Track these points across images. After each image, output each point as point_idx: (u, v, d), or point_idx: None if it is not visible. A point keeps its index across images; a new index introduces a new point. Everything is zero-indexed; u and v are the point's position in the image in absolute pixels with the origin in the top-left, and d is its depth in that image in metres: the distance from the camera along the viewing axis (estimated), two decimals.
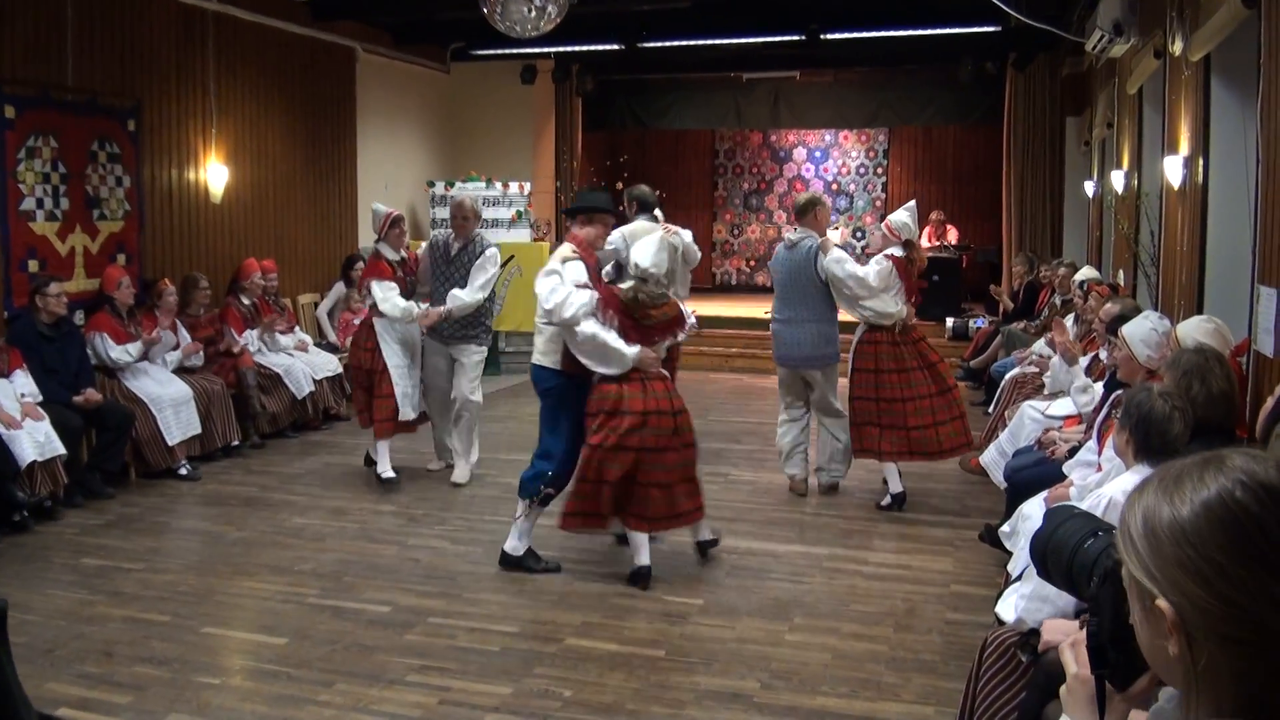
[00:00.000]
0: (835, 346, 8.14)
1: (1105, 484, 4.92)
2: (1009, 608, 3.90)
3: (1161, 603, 1.33)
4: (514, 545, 6.62)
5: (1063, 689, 1.89)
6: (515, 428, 10.32)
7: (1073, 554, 1.93)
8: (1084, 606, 3.50)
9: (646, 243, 6.56)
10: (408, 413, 8.42)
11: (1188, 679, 1.35)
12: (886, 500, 7.86)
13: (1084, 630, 1.81)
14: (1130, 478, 3.92)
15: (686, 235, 8.27)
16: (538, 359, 6.72)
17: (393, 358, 8.37)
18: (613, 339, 6.21)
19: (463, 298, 8.31)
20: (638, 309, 6.30)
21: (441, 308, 8.34)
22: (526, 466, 6.71)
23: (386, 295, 8.30)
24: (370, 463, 8.71)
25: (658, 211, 8.71)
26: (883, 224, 8.32)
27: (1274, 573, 1.27)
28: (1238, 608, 1.28)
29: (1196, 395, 4.20)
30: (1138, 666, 1.67)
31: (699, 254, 8.74)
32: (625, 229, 8.73)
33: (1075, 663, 1.83)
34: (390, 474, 8.35)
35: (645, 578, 6.29)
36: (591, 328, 6.20)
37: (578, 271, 6.44)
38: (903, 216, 8.26)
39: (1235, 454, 1.37)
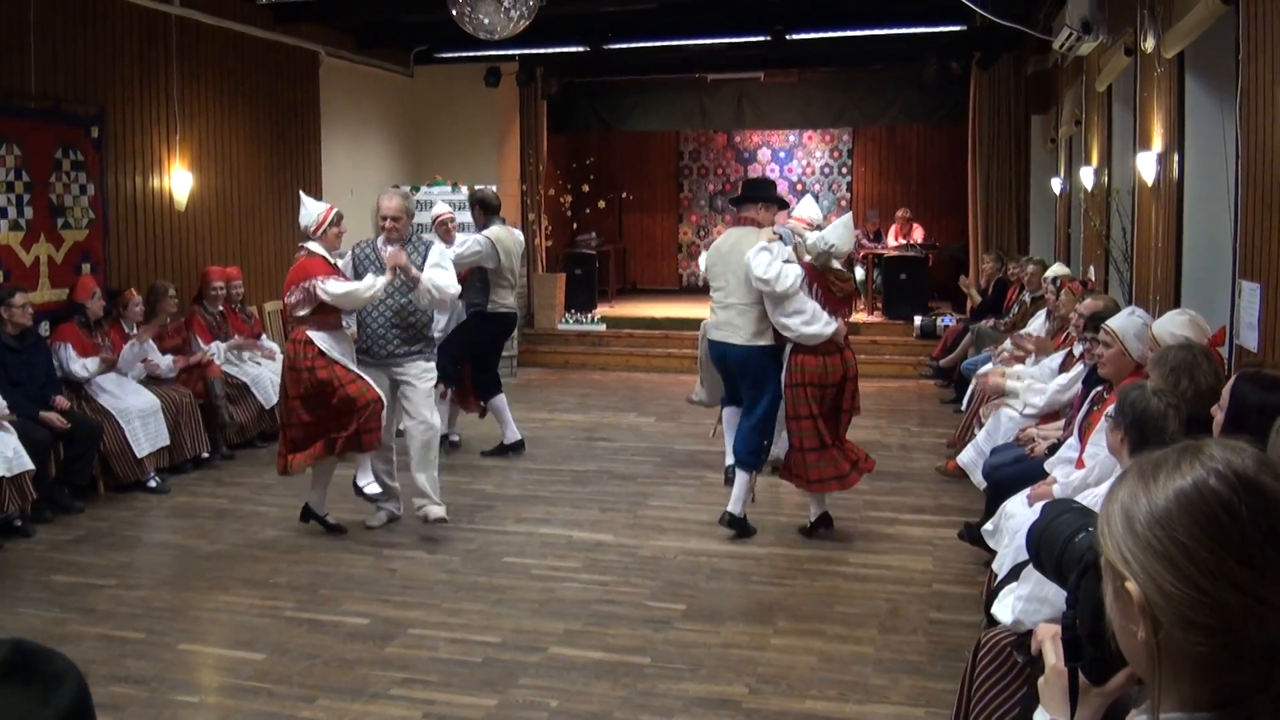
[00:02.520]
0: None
1: (1089, 481, 4.93)
2: (1006, 609, 3.86)
3: (1130, 585, 1.34)
4: (740, 509, 7.16)
5: (1040, 680, 1.92)
6: (486, 430, 10.20)
7: (1064, 547, 1.92)
8: None
9: (839, 225, 6.99)
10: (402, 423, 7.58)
11: (1151, 665, 1.35)
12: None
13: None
14: None
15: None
16: (746, 341, 7.15)
17: (349, 363, 7.32)
18: (820, 311, 6.76)
19: (440, 281, 7.34)
20: (831, 275, 6.88)
21: (409, 268, 7.29)
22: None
23: (347, 285, 7.21)
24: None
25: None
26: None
27: (1241, 560, 1.28)
28: (1203, 593, 1.28)
29: (1185, 391, 4.19)
30: (1114, 661, 1.66)
31: None
32: (491, 233, 8.84)
33: (1054, 654, 1.85)
34: (378, 488, 7.47)
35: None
36: (803, 300, 6.75)
37: (782, 249, 6.96)
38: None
39: (1214, 444, 1.38)
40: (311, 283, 7.16)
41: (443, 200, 10.13)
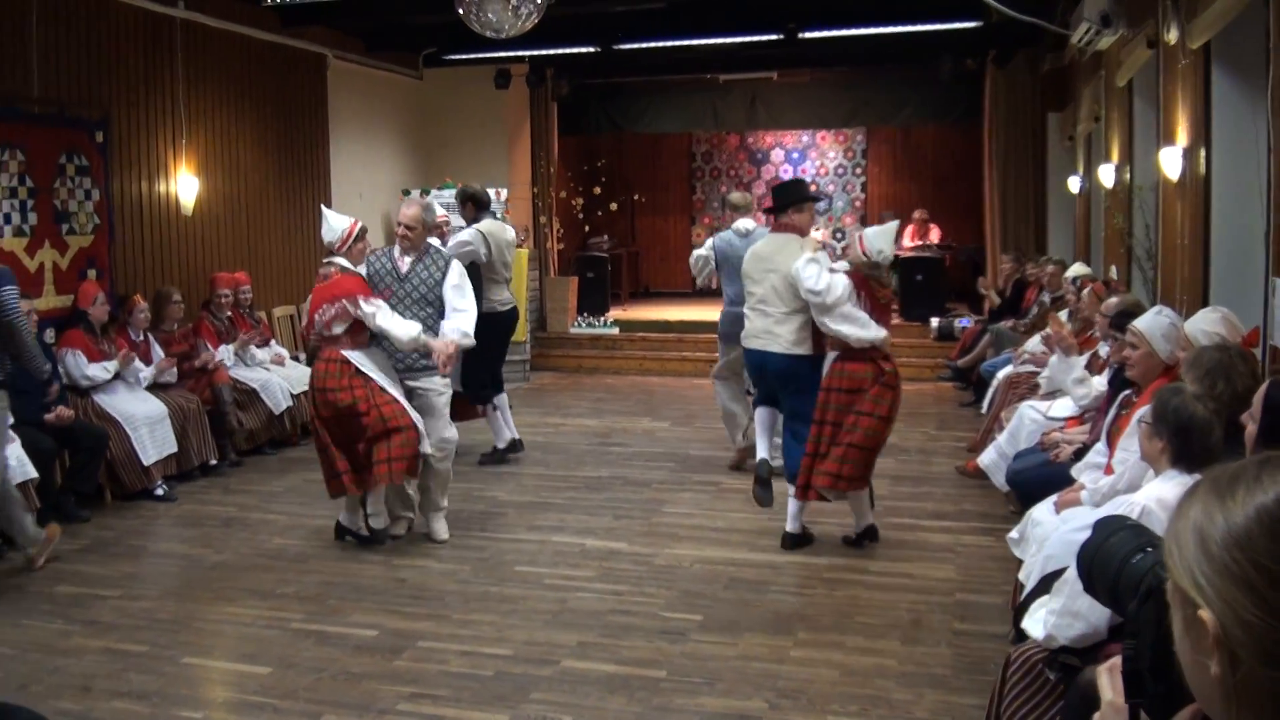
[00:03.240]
0: None
1: (1119, 487, 4.77)
2: (1037, 623, 3.70)
3: (1204, 614, 1.19)
4: (796, 526, 6.99)
5: (1096, 716, 1.72)
6: (492, 438, 10.06)
7: (1120, 568, 1.75)
8: (1119, 623, 3.32)
9: (884, 231, 6.91)
10: (425, 446, 7.22)
11: (1227, 705, 1.20)
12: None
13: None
14: (1162, 485, 3.73)
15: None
16: (787, 349, 7.09)
17: (385, 384, 7.04)
18: (868, 319, 6.72)
19: (465, 327, 7.15)
20: (877, 285, 6.85)
21: (451, 341, 7.04)
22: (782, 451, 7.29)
23: (390, 322, 6.94)
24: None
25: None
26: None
27: None
28: None
29: (1222, 394, 4.03)
30: (1178, 697, 1.48)
31: None
32: (482, 226, 8.78)
33: (1111, 689, 1.65)
34: (386, 520, 7.26)
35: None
36: (853, 309, 6.67)
37: (826, 259, 6.96)
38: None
39: None
40: (348, 302, 6.92)
41: (438, 204, 9.91)
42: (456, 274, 7.26)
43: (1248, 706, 1.19)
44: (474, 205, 9.57)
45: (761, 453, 7.67)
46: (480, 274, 9.09)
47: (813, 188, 16.05)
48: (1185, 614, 1.25)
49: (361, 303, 6.91)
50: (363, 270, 7.21)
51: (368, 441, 6.93)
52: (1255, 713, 1.19)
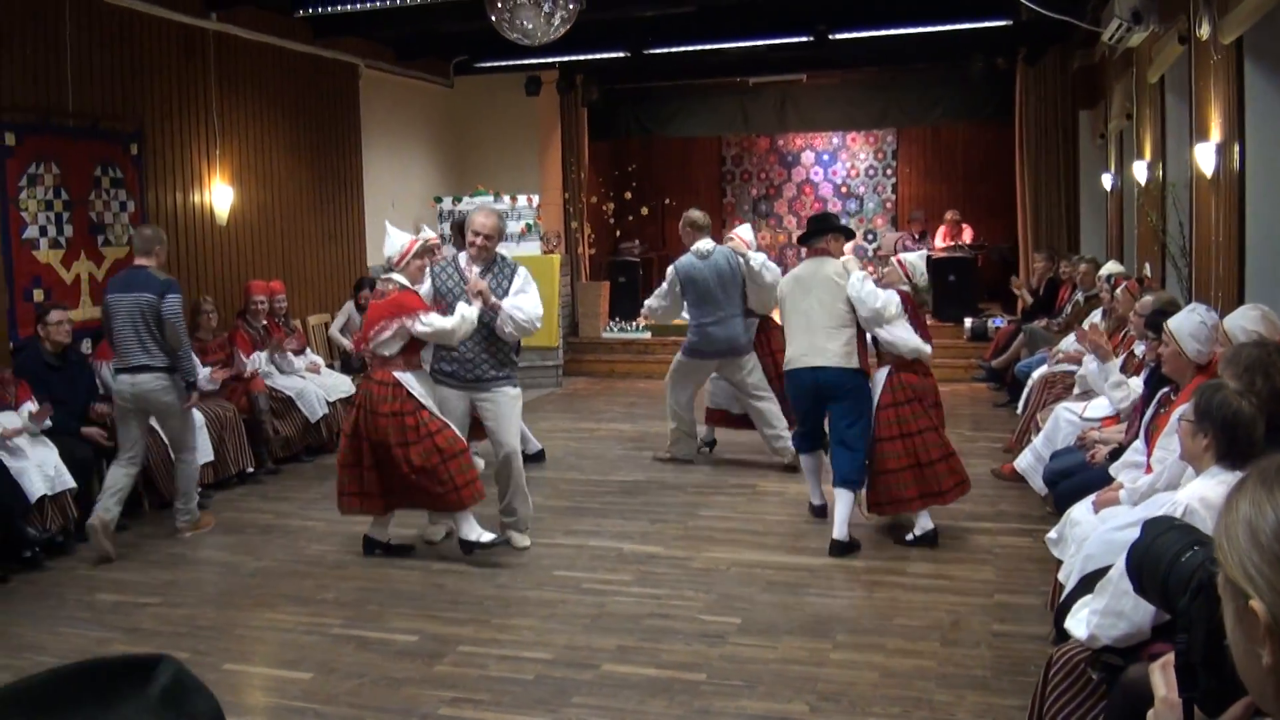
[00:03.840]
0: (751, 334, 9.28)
1: (1158, 486, 4.74)
2: (1080, 623, 3.68)
3: (1256, 604, 1.21)
4: (844, 533, 6.96)
5: (1150, 713, 1.72)
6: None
7: (1169, 567, 1.75)
8: (1163, 622, 3.31)
9: (920, 256, 7.61)
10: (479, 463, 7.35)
11: (1278, 694, 1.21)
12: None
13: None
14: (1205, 483, 3.71)
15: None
16: (838, 363, 7.13)
17: (435, 410, 6.90)
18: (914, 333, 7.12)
19: (526, 309, 7.05)
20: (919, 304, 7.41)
21: (488, 295, 6.98)
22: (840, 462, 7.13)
23: (442, 322, 6.82)
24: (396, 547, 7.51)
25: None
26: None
27: None
28: None
29: (1261, 390, 4.00)
30: (1231, 691, 1.48)
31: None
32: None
33: (1164, 685, 1.68)
34: (489, 535, 7.00)
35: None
36: (905, 323, 7.08)
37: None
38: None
39: None
40: (408, 320, 6.76)
41: (426, 227, 9.44)
42: (521, 280, 7.17)
43: None
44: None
45: (816, 499, 7.81)
46: None
47: (843, 190, 16.00)
48: (1237, 605, 1.26)
49: (419, 320, 6.75)
50: (424, 287, 7.09)
51: (416, 471, 6.74)
52: None
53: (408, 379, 6.83)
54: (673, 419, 9.53)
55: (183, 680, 1.13)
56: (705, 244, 9.16)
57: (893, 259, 7.68)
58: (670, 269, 9.33)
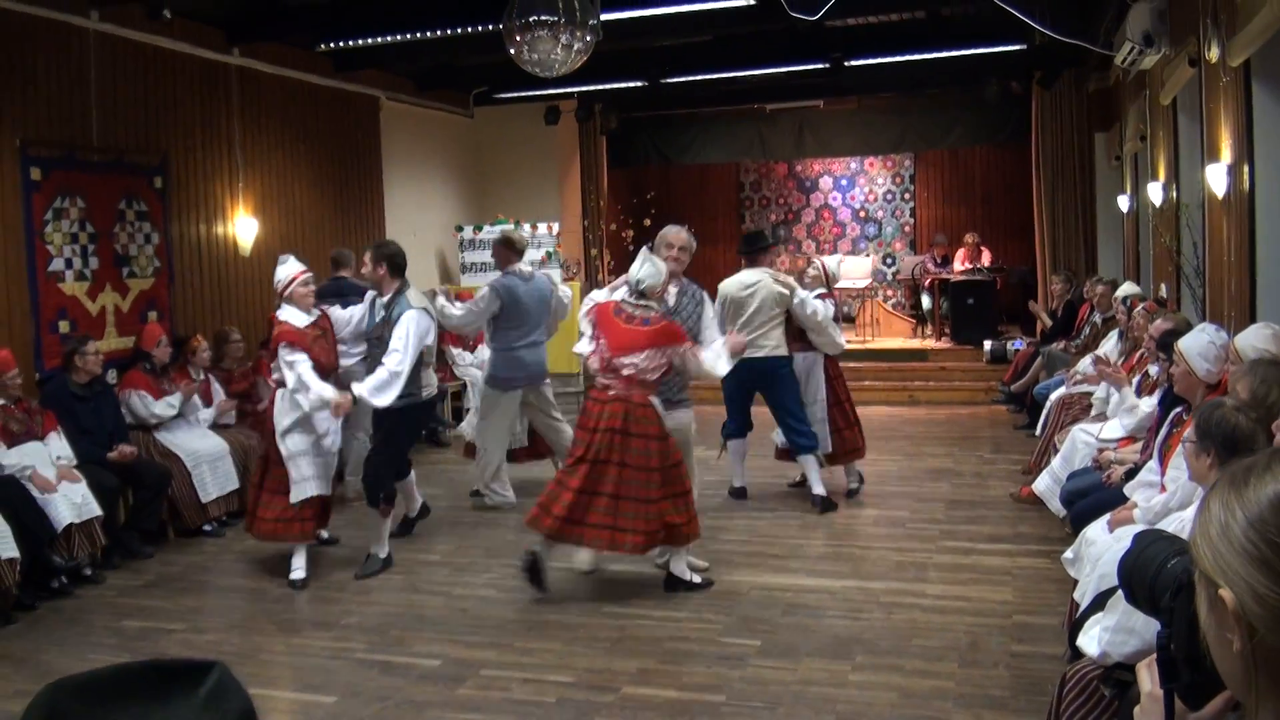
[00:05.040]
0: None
1: (1171, 505, 4.78)
2: (1092, 640, 3.73)
3: (1224, 593, 1.30)
4: (823, 489, 8.68)
5: (1137, 709, 1.80)
6: (546, 470, 10.13)
7: (1156, 573, 1.82)
8: None
9: (835, 261, 10.21)
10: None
11: (1248, 679, 1.30)
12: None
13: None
14: None
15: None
16: (775, 353, 8.74)
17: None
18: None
19: (720, 352, 7.01)
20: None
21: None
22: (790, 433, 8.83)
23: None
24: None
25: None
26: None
27: None
28: None
29: (1274, 405, 4.05)
30: (1212, 684, 1.56)
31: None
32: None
33: (1150, 680, 1.75)
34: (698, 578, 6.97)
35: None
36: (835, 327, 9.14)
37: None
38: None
39: None
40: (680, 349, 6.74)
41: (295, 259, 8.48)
42: (710, 308, 7.45)
43: (1266, 675, 1.28)
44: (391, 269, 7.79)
45: (738, 481, 9.31)
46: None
47: (862, 215, 16.03)
48: (1209, 595, 1.35)
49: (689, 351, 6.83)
50: (299, 319, 7.49)
51: (659, 497, 6.63)
52: (1272, 680, 1.28)
53: (657, 402, 6.78)
54: (484, 461, 9.19)
55: (225, 682, 1.22)
56: (526, 266, 9.19)
57: (815, 260, 9.69)
58: (488, 287, 8.89)
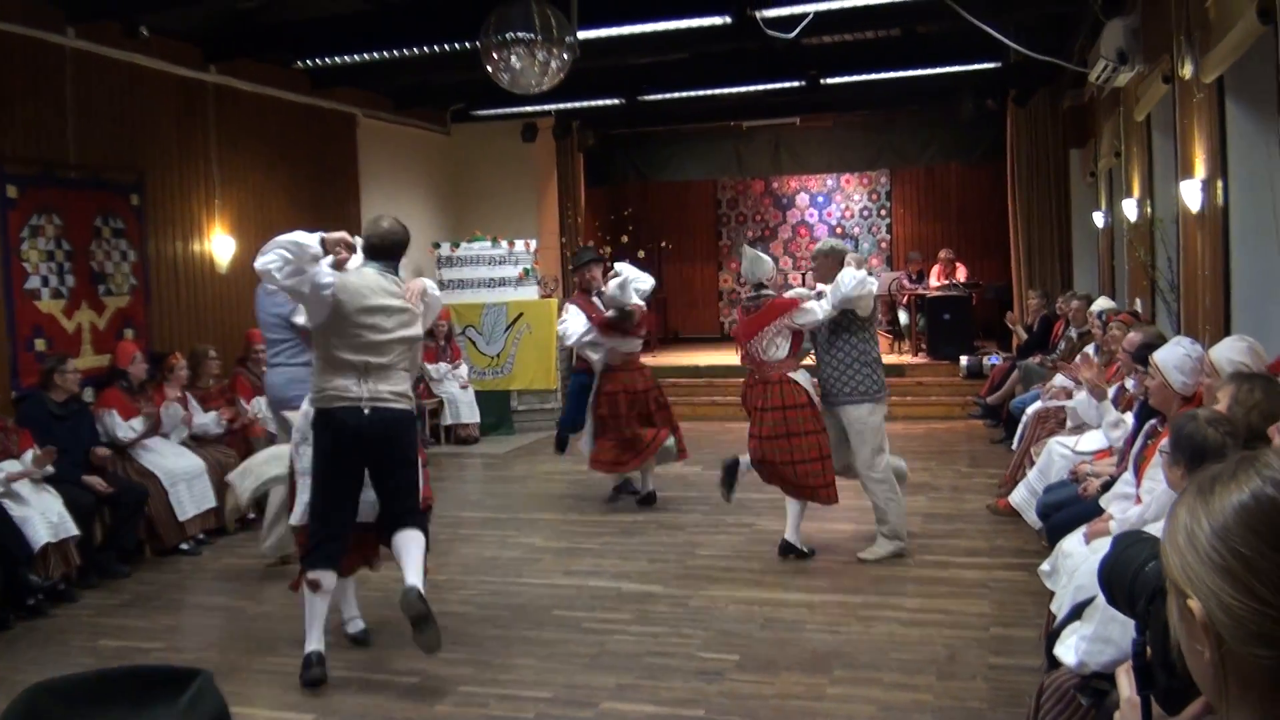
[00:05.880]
0: None
1: (1147, 517, 4.81)
2: (1069, 650, 3.74)
3: (1193, 603, 1.30)
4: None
5: (1116, 715, 1.83)
6: (535, 486, 10.20)
7: (1135, 576, 1.85)
8: None
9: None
10: None
11: (1218, 685, 1.30)
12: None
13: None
14: None
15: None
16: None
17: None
18: None
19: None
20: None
21: None
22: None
23: None
24: None
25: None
26: None
27: None
28: (1265, 604, 1.24)
29: (1252, 410, 4.09)
30: (1188, 690, 1.58)
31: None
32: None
33: (1129, 686, 1.77)
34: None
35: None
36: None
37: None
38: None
39: (1271, 453, 1.34)
40: (788, 318, 7.59)
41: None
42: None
43: (1236, 685, 1.29)
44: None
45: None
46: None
47: (838, 231, 16.04)
48: (1179, 605, 1.35)
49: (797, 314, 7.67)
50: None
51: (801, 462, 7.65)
52: (1243, 690, 1.28)
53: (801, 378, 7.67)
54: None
55: (205, 689, 1.26)
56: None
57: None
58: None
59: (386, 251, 6.03)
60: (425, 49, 10.49)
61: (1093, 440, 7.21)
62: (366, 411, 5.70)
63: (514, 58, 7.63)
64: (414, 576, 5.69)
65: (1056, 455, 7.35)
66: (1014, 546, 7.72)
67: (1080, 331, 10.90)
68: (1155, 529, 3.83)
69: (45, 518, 7.25)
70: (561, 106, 14.45)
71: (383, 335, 5.78)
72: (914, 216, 19.15)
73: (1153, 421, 5.60)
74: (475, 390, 13.28)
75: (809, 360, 7.97)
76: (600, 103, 14.28)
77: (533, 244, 14.32)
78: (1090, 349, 9.66)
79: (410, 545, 5.83)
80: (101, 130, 9.27)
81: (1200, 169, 7.25)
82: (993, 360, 13.85)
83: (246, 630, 6.77)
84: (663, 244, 19.56)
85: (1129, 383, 7.33)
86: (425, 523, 6.15)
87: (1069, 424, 8.12)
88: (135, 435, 8.52)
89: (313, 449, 5.87)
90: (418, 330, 6.00)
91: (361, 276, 5.89)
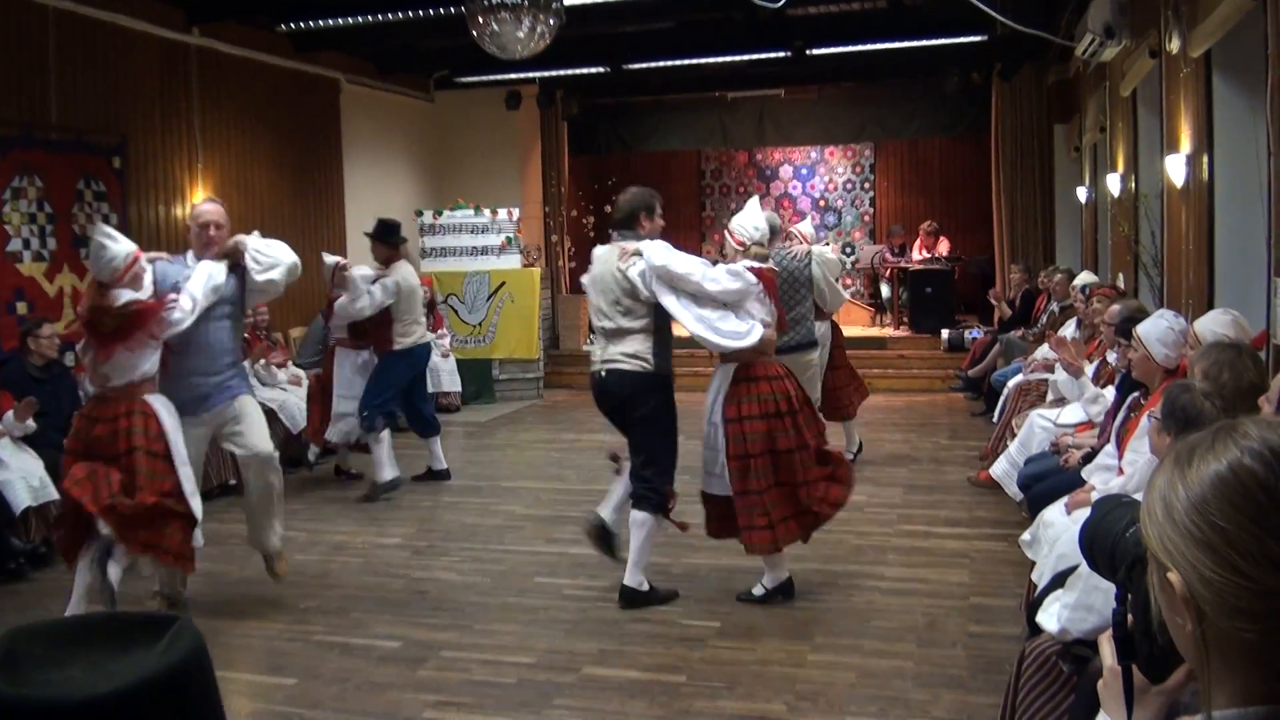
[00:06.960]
0: None
1: (1129, 488, 4.83)
2: (1051, 617, 3.77)
3: (1173, 575, 1.30)
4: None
5: (1100, 683, 1.83)
6: (515, 455, 10.21)
7: (1116, 540, 1.85)
8: None
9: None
10: None
11: (1200, 658, 1.31)
12: None
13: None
14: None
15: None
16: None
17: None
18: None
19: None
20: None
21: None
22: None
23: None
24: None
25: None
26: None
27: None
28: (1245, 577, 1.23)
29: (1225, 385, 4.10)
30: (1171, 658, 1.59)
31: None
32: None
33: (1111, 654, 1.76)
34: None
35: None
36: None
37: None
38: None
39: (1250, 422, 1.33)
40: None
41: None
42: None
43: (1218, 657, 1.29)
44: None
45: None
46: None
47: (821, 204, 16.06)
48: (1159, 577, 1.35)
49: None
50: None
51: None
52: (1225, 662, 1.29)
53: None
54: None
55: (183, 631, 1.24)
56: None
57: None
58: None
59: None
60: (410, 14, 10.42)
61: (1074, 413, 7.23)
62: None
63: (500, 22, 7.60)
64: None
65: (1038, 427, 7.37)
66: (994, 518, 7.76)
67: (1062, 305, 10.94)
68: (1138, 500, 3.87)
69: (26, 481, 7.22)
70: (546, 75, 14.39)
71: None
72: (897, 190, 19.13)
73: (1135, 394, 5.63)
74: (456, 359, 13.25)
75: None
76: (585, 71, 14.24)
77: (515, 212, 14.28)
78: (1073, 324, 9.69)
79: None
80: (84, 92, 9.20)
81: (1185, 144, 7.27)
82: (974, 334, 13.90)
83: (228, 596, 6.78)
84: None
85: (1110, 356, 7.36)
86: None
87: (1050, 397, 8.16)
88: None
89: None
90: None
91: None
